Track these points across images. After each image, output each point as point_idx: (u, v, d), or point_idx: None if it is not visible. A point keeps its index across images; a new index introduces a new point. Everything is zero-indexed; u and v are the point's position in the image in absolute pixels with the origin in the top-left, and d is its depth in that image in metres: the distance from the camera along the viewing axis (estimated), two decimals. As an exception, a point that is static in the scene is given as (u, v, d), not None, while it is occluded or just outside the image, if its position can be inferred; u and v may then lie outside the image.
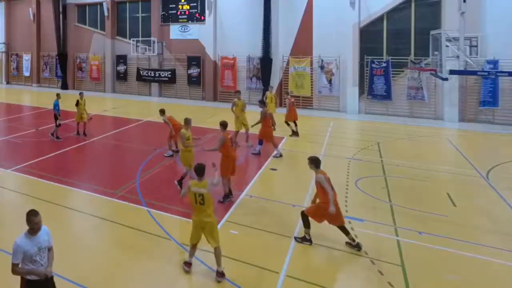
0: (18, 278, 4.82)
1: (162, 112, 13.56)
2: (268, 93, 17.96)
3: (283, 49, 24.21)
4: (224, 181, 9.26)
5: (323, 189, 7.19)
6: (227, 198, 9.38)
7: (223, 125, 9.95)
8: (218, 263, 6.38)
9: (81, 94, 16.59)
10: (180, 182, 9.97)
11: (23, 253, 4.62)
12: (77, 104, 16.06)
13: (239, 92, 16.59)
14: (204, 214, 6.40)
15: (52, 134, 15.61)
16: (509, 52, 17.98)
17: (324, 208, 7.16)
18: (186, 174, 9.97)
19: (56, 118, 15.47)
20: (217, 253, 6.38)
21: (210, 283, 6.36)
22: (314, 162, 7.44)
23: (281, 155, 13.12)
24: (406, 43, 21.08)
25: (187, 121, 10.33)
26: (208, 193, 6.42)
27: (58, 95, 16.28)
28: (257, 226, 8.15)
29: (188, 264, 6.62)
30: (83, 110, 16.13)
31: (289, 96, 16.59)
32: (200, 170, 6.65)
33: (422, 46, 19.45)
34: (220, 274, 6.32)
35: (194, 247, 6.61)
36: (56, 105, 15.54)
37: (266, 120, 13.37)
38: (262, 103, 14.57)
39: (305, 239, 7.44)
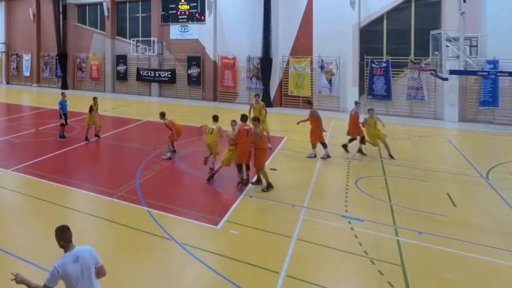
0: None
1: (162, 115, 13.17)
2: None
3: (283, 49, 24.21)
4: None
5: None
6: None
7: (242, 117, 10.88)
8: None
9: (95, 99, 15.71)
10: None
11: None
12: (91, 110, 15.28)
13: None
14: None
15: (60, 136, 15.56)
16: (509, 52, 17.97)
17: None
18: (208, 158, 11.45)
19: (60, 117, 15.54)
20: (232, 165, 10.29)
21: (210, 283, 6.37)
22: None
23: (329, 156, 12.97)
24: (406, 43, 21.07)
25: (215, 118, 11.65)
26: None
27: (63, 94, 16.22)
28: (257, 226, 8.17)
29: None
30: (96, 116, 15.42)
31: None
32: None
33: (422, 46, 19.42)
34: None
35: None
36: (62, 104, 15.55)
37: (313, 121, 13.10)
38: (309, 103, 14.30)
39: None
